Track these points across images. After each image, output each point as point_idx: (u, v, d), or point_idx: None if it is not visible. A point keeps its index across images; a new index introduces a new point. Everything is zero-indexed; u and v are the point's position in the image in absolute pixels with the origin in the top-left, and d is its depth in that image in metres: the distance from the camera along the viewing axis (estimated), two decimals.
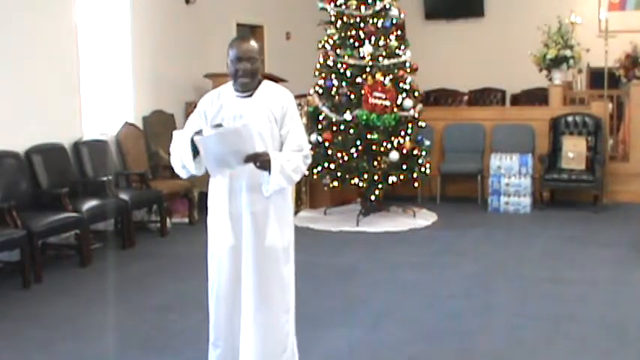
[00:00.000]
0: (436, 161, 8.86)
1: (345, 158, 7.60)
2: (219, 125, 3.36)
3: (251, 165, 3.30)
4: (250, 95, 3.46)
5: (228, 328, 3.51)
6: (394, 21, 7.81)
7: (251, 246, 3.44)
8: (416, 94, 7.86)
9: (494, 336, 4.58)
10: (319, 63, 7.91)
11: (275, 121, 3.44)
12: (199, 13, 9.04)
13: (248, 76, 3.40)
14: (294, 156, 3.42)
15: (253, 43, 3.42)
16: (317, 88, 7.90)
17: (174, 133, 3.50)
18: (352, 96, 7.71)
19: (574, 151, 8.39)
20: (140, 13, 8.03)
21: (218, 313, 3.53)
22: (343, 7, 7.75)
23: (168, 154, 3.63)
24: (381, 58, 7.68)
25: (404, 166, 7.65)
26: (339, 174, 7.71)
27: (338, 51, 7.83)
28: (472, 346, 4.41)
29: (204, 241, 3.60)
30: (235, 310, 3.48)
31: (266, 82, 3.53)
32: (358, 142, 7.60)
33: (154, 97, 8.24)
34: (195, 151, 3.33)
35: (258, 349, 3.47)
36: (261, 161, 3.29)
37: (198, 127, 3.38)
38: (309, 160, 3.53)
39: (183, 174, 3.52)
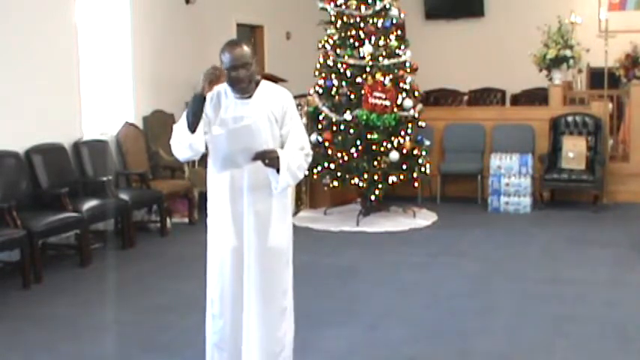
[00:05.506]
0: (436, 161, 8.86)
1: (345, 158, 7.60)
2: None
3: (253, 164, 3.30)
4: (250, 97, 3.46)
5: (233, 329, 3.51)
6: (394, 21, 7.81)
7: (254, 246, 3.44)
8: (416, 94, 7.86)
9: (494, 336, 4.58)
10: (319, 63, 7.91)
11: (275, 122, 3.45)
12: (199, 13, 9.04)
13: (245, 83, 3.39)
14: (297, 154, 3.43)
15: (245, 48, 3.37)
16: (317, 88, 7.90)
17: (175, 126, 3.48)
18: (352, 96, 7.71)
19: (574, 151, 8.38)
20: (140, 13, 8.03)
21: (224, 317, 3.52)
22: (343, 7, 7.75)
23: (168, 154, 3.62)
24: (381, 58, 7.67)
25: (404, 166, 7.65)
26: (339, 174, 7.71)
27: (338, 51, 7.83)
28: (472, 346, 4.41)
29: (205, 241, 3.60)
30: (238, 311, 3.48)
31: (264, 83, 3.52)
32: (358, 142, 7.60)
33: (154, 97, 8.24)
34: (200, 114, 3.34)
35: (261, 349, 3.48)
36: (270, 158, 3.30)
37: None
38: (310, 159, 3.55)
39: (187, 153, 3.42)
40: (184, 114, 3.43)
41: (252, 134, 3.25)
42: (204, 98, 3.34)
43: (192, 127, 3.36)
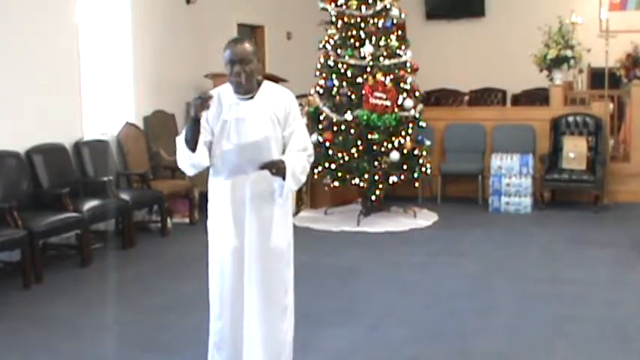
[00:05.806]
0: (437, 161, 8.86)
1: (346, 158, 7.61)
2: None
3: (260, 171, 3.32)
4: (252, 97, 3.45)
5: (233, 330, 3.51)
6: (395, 21, 7.81)
7: (255, 247, 3.44)
8: (416, 94, 7.86)
9: (494, 336, 4.58)
10: (320, 63, 7.91)
11: (278, 123, 3.44)
12: (199, 13, 9.04)
13: (241, 78, 3.37)
14: (299, 157, 3.44)
15: (247, 45, 3.37)
16: (318, 88, 7.91)
17: (177, 139, 3.49)
18: (353, 96, 7.71)
19: (575, 151, 8.38)
20: (140, 13, 8.03)
21: (223, 317, 3.52)
22: (344, 7, 7.75)
23: (169, 154, 3.63)
24: (381, 58, 7.68)
25: (404, 166, 7.66)
26: (339, 174, 7.71)
27: (339, 51, 7.83)
28: (472, 346, 4.41)
29: (205, 241, 3.61)
30: (239, 312, 3.48)
31: (267, 83, 3.52)
32: (359, 142, 7.60)
33: (155, 97, 8.24)
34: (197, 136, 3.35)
35: (263, 349, 3.48)
36: (277, 168, 3.32)
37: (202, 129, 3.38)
38: (312, 159, 3.56)
39: (192, 171, 3.49)
40: (184, 129, 3.44)
41: (260, 148, 3.34)
42: (199, 120, 3.33)
43: (192, 147, 3.37)
